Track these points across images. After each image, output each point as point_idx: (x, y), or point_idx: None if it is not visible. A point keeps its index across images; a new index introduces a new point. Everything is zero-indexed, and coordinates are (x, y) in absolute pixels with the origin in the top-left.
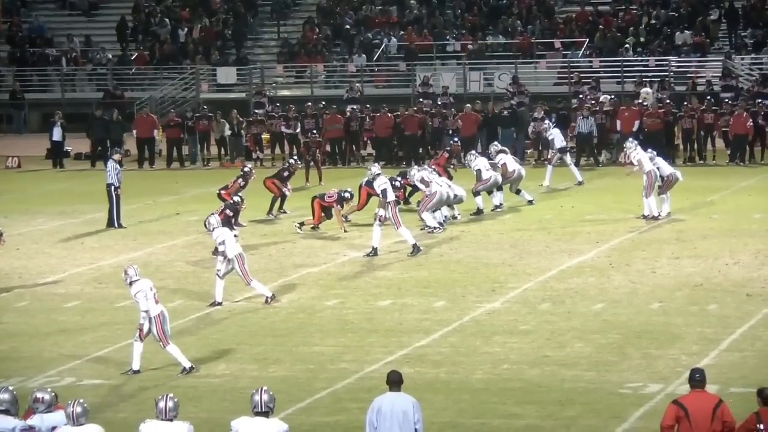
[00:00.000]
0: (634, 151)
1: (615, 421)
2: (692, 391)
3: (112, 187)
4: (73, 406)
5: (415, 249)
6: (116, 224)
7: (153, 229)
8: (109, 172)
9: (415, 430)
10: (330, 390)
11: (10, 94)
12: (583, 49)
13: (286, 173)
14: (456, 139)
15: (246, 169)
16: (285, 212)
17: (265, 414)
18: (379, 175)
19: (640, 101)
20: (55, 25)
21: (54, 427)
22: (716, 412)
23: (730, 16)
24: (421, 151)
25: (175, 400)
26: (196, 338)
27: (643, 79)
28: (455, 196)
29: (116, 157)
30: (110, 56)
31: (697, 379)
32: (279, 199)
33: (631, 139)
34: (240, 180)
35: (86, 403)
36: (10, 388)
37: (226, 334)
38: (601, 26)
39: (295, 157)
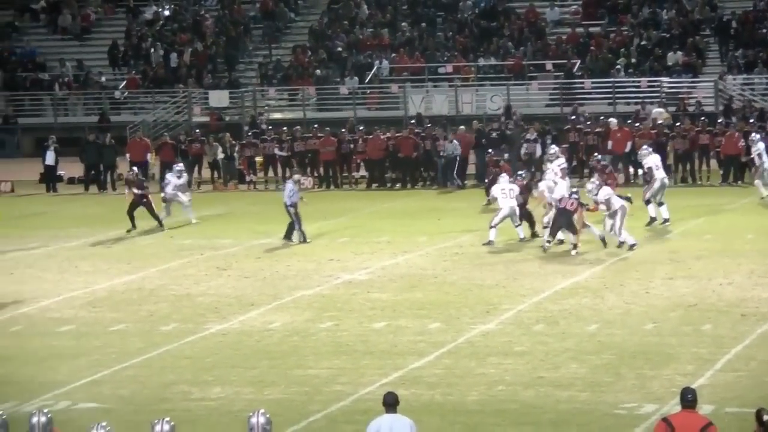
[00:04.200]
0: (601, 189)
1: None
2: (683, 410)
3: (290, 207)
4: (96, 429)
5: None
6: (302, 239)
7: (147, 253)
8: (287, 193)
9: None
10: (325, 412)
11: (3, 118)
12: (574, 70)
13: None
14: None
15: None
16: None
17: None
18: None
19: (658, 120)
20: (46, 50)
21: None
22: None
23: (721, 35)
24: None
25: (172, 423)
26: (190, 361)
27: (645, 100)
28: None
29: (295, 177)
30: (104, 79)
31: (688, 399)
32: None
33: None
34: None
35: (109, 426)
36: (1, 413)
37: (220, 357)
38: (592, 47)
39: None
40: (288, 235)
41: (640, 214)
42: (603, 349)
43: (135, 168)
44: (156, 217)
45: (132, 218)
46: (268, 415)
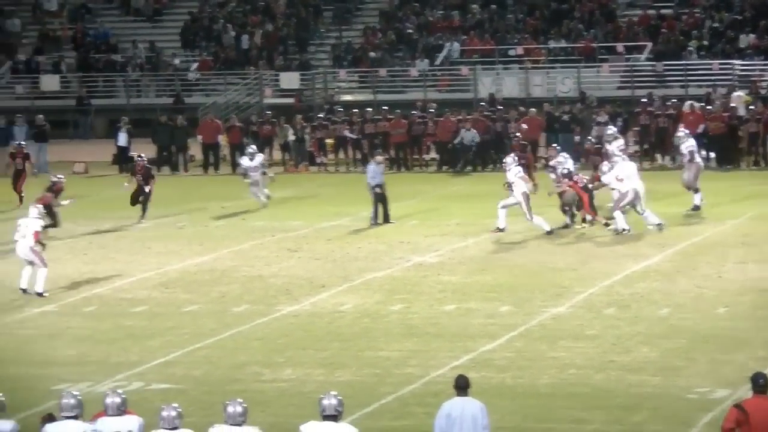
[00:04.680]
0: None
1: (682, 427)
2: (755, 396)
3: (374, 188)
4: (168, 410)
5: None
6: (387, 220)
7: (218, 234)
8: (370, 174)
9: None
10: (396, 395)
11: (76, 99)
12: (646, 53)
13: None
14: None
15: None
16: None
17: (334, 418)
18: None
19: (734, 103)
20: (119, 32)
21: None
22: None
23: None
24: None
25: (244, 405)
26: (262, 343)
27: (716, 83)
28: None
29: (378, 158)
30: (178, 62)
31: (760, 384)
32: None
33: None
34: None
35: (180, 407)
36: (76, 392)
37: (292, 338)
38: (663, 29)
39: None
40: (375, 217)
41: (681, 200)
42: (674, 333)
43: (143, 155)
44: (145, 208)
45: (138, 204)
46: (339, 397)
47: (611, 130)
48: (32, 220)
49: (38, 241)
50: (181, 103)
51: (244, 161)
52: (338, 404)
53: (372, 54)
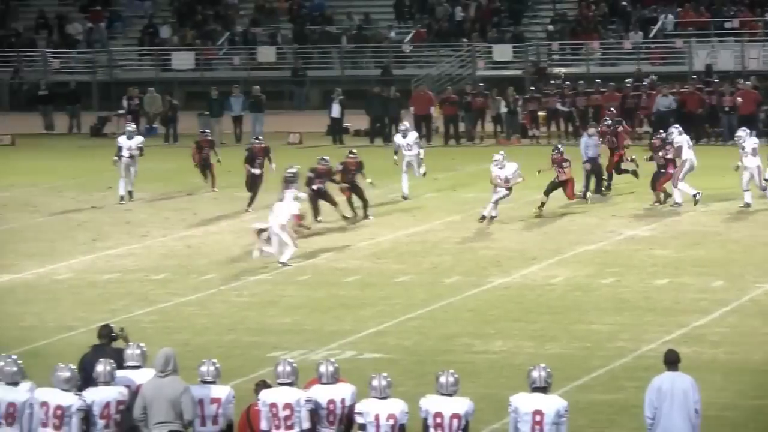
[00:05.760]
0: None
1: None
2: None
3: (585, 163)
4: (379, 380)
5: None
6: (599, 191)
7: (430, 206)
8: (582, 147)
9: (695, 410)
10: (607, 368)
11: (292, 71)
12: None
13: None
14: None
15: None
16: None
17: (543, 390)
18: None
19: None
20: (334, 3)
21: (331, 400)
22: None
23: None
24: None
25: (456, 375)
26: (473, 314)
27: None
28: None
29: (590, 131)
30: (393, 34)
31: None
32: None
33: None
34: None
35: (390, 377)
36: (291, 360)
37: (502, 310)
38: None
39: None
40: (587, 190)
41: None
42: None
43: (208, 130)
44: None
45: (206, 175)
46: (549, 369)
47: None
48: (289, 203)
49: (300, 224)
50: (390, 75)
51: (398, 138)
52: (547, 376)
53: (585, 26)
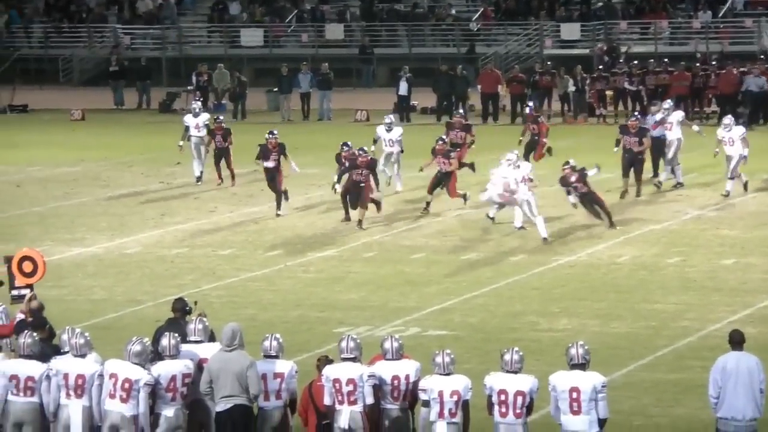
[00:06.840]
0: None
1: None
2: None
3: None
4: (441, 356)
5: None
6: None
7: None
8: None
9: (760, 389)
10: (672, 347)
11: (359, 48)
12: None
13: None
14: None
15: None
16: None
17: (582, 366)
18: None
19: None
20: None
21: (396, 376)
22: None
23: None
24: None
25: (521, 353)
26: (538, 293)
27: None
28: None
29: (653, 109)
30: (453, 12)
31: None
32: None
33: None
34: None
35: (453, 354)
36: (355, 336)
37: (568, 289)
38: None
39: None
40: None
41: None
42: None
43: (222, 116)
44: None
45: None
46: (586, 347)
47: None
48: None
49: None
50: (469, 53)
51: (381, 131)
52: (585, 353)
53: (653, 5)
